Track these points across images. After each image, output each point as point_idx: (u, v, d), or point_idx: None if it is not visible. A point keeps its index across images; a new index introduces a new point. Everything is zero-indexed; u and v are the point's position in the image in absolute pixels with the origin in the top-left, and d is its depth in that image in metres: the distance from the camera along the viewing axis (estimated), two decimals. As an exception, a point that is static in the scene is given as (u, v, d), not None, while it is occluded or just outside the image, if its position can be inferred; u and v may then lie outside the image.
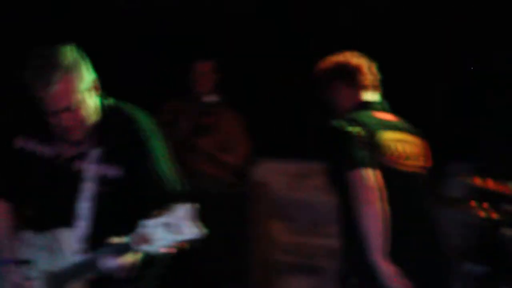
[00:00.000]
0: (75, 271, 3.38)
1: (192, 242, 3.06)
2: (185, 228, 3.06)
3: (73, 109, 3.31)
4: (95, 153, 3.46)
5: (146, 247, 3.11)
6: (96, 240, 3.38)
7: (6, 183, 3.61)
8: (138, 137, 3.49)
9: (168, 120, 5.83)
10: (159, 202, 3.33)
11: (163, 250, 3.10)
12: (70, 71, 3.30)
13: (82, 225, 3.43)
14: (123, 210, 3.48)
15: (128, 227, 3.30)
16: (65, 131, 3.36)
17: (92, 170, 3.44)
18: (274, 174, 6.22)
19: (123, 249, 3.19)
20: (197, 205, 3.05)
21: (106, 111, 3.48)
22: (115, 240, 3.21)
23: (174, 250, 3.08)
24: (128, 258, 3.22)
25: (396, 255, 3.77)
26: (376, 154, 3.92)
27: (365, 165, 3.82)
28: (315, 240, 6.10)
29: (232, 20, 6.53)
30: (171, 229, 3.09)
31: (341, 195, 3.94)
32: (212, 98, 6.07)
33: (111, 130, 3.48)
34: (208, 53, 6.17)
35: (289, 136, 6.27)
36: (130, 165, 3.47)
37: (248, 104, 6.26)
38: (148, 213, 3.25)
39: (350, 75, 4.22)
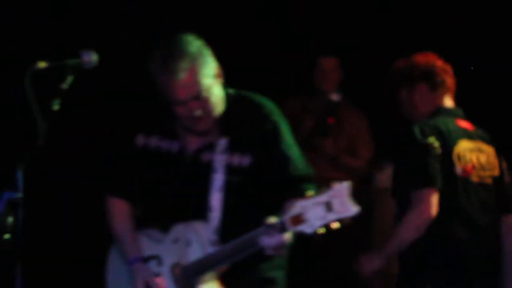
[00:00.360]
0: (208, 263, 3.41)
1: (348, 221, 3.06)
2: (341, 206, 3.07)
3: (201, 97, 3.32)
4: (222, 142, 3.47)
5: (301, 227, 3.11)
6: (228, 231, 3.41)
7: (127, 183, 3.62)
8: (267, 123, 3.51)
9: (291, 118, 5.67)
10: (291, 186, 3.46)
11: (319, 229, 3.08)
12: (196, 58, 3.32)
13: (215, 217, 3.46)
14: (253, 198, 3.51)
15: (260, 215, 3.34)
16: (194, 121, 3.38)
17: (221, 160, 3.47)
18: None
19: (279, 228, 3.19)
20: (349, 183, 3.07)
21: (229, 100, 3.49)
22: (272, 219, 3.20)
23: (332, 228, 3.09)
24: (284, 237, 3.21)
25: (460, 265, 4.03)
26: (448, 165, 4.02)
27: (434, 184, 3.95)
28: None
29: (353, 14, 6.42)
30: (326, 208, 3.08)
31: (400, 206, 4.12)
32: (336, 97, 5.88)
33: (237, 118, 3.49)
34: (333, 48, 6.01)
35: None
36: (260, 152, 3.48)
37: (373, 103, 6.08)
38: (281, 197, 3.39)
39: (436, 78, 4.24)
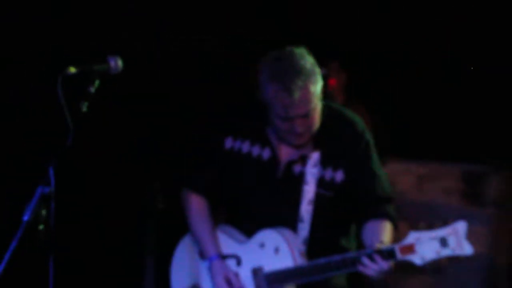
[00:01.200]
0: (297, 274, 3.30)
1: (460, 259, 3.08)
2: (457, 244, 3.03)
3: (309, 115, 3.22)
4: (315, 156, 3.37)
5: (411, 257, 3.08)
6: (315, 243, 3.36)
7: (210, 181, 3.56)
8: (361, 141, 3.41)
9: None
10: (376, 206, 3.40)
11: (427, 262, 3.06)
12: (310, 76, 3.20)
13: (304, 228, 3.36)
14: (340, 213, 3.43)
15: (342, 229, 3.44)
16: (295, 136, 3.28)
17: (313, 174, 3.37)
18: (401, 174, 5.90)
19: (387, 254, 3.11)
20: (467, 223, 3.05)
21: (323, 113, 3.35)
22: (379, 245, 3.14)
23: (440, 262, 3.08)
24: (387, 264, 3.13)
25: None
26: None
27: None
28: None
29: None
30: (441, 243, 3.05)
31: None
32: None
33: (331, 133, 3.38)
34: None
35: (418, 135, 6.08)
36: (352, 169, 3.38)
37: (375, 101, 6.12)
38: (364, 215, 3.37)
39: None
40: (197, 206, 3.56)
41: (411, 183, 5.87)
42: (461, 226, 3.03)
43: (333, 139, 3.38)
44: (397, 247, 3.10)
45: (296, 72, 3.17)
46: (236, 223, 3.55)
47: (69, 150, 3.00)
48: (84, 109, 3.05)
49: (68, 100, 2.99)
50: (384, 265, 3.10)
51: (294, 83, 3.15)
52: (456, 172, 5.72)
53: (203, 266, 3.53)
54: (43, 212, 2.95)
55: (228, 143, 3.48)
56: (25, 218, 2.92)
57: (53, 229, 2.96)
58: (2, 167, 5.38)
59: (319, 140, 3.36)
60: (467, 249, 3.01)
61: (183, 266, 3.62)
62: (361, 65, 6.11)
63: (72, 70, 3.06)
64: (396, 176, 5.83)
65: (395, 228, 3.40)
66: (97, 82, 3.11)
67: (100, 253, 5.59)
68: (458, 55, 5.95)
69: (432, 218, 5.61)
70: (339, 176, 3.38)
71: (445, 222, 3.05)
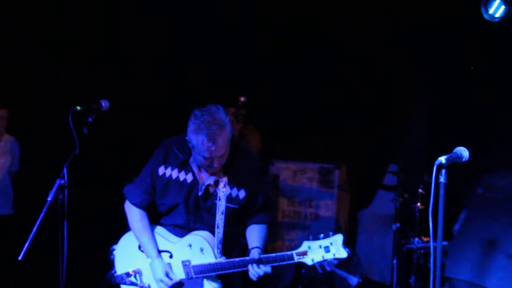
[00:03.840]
0: (218, 268, 2.97)
1: (339, 261, 2.79)
2: (336, 250, 2.74)
3: (224, 156, 2.99)
4: (224, 179, 3.08)
5: (304, 259, 2.81)
6: (226, 243, 3.08)
7: (144, 198, 3.19)
8: (254, 168, 3.14)
9: None
10: (261, 213, 3.15)
11: (315, 263, 2.77)
12: (226, 126, 2.92)
13: (219, 232, 3.05)
14: (240, 219, 3.15)
15: (241, 230, 3.14)
16: (213, 169, 3.03)
17: (223, 192, 3.06)
18: (283, 170, 5.98)
19: (287, 258, 2.85)
20: (343, 235, 2.77)
21: (230, 148, 3.06)
22: (280, 252, 2.88)
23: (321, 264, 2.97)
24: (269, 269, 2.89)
25: None
26: None
27: None
28: (305, 209, 5.93)
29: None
30: (325, 250, 2.75)
31: None
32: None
33: (235, 163, 3.08)
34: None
35: (292, 146, 6.08)
36: (250, 187, 3.10)
37: (270, 123, 5.93)
38: (254, 220, 3.09)
39: None
40: (137, 216, 3.19)
41: (289, 175, 5.95)
42: (338, 237, 2.75)
43: (236, 167, 3.10)
44: (294, 253, 2.84)
45: (217, 125, 2.89)
46: (168, 227, 3.21)
47: (76, 157, 2.99)
48: (85, 131, 3.07)
49: (76, 126, 3.01)
50: (267, 269, 2.88)
51: (216, 134, 2.89)
52: (315, 168, 5.87)
53: (144, 259, 3.20)
54: (60, 195, 2.93)
55: (161, 170, 3.16)
56: (49, 199, 2.90)
57: (65, 205, 2.93)
58: (36, 167, 5.34)
59: (227, 168, 3.09)
60: (343, 253, 2.73)
61: (126, 254, 3.27)
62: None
63: (78, 108, 3.08)
64: (280, 170, 6.00)
65: (269, 226, 3.21)
66: (93, 116, 3.13)
67: (95, 219, 5.53)
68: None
69: (301, 195, 5.90)
70: (242, 193, 3.09)
71: (327, 235, 2.77)
